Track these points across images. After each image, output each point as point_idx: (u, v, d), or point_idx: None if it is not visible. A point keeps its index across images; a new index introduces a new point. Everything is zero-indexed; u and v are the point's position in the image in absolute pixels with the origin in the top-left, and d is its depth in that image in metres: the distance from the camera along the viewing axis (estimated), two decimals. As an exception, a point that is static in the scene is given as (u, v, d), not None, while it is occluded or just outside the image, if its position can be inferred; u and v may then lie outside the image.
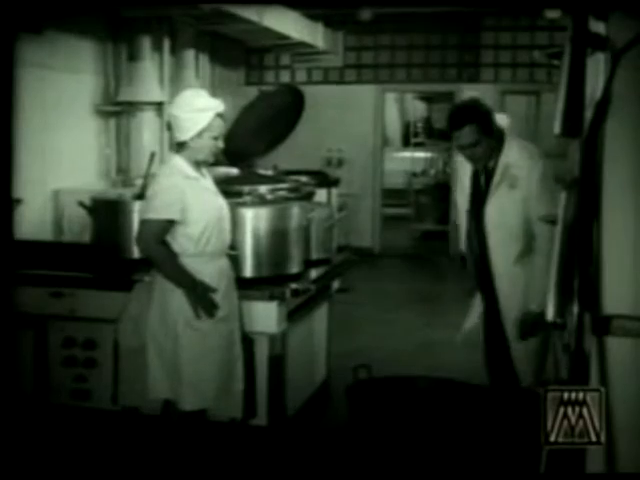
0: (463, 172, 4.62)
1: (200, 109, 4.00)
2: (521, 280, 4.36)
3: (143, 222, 4.05)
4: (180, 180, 4.01)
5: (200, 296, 4.00)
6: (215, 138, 4.06)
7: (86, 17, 8.09)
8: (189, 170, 4.05)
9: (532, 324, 4.24)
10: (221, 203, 4.18)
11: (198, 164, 4.11)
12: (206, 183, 4.14)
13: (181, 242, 4.02)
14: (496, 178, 4.38)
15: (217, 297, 4.06)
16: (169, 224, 3.98)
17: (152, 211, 4.00)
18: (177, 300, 3.99)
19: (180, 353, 4.00)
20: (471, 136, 4.28)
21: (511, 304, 4.43)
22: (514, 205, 4.33)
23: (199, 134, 4.01)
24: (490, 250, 4.45)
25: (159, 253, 4.02)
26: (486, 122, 4.32)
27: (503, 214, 4.37)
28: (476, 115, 4.32)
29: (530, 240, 4.34)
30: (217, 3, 7.76)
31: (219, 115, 4.05)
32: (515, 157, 4.35)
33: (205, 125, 4.00)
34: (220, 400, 4.18)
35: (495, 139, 4.35)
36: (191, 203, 3.99)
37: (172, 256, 4.02)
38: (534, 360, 4.45)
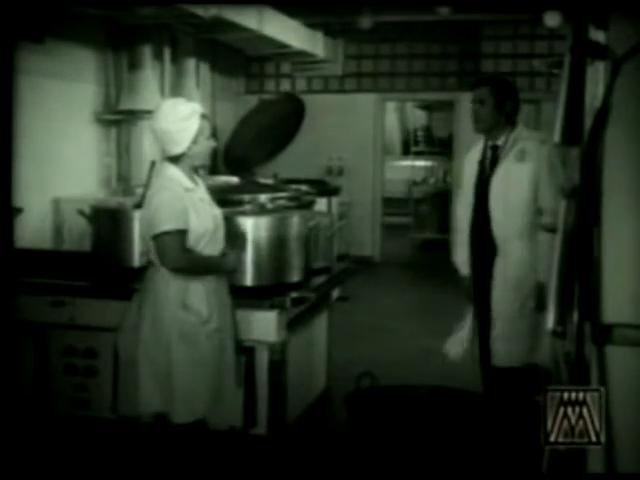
0: (469, 167, 4.75)
1: (187, 116, 3.98)
2: (523, 254, 4.43)
3: (161, 236, 3.92)
4: (180, 191, 3.98)
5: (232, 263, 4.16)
6: (208, 138, 4.08)
7: (87, 26, 8.11)
8: (186, 181, 4.03)
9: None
10: (215, 213, 4.14)
11: (195, 171, 4.11)
12: (200, 193, 4.11)
13: None
14: (505, 150, 4.57)
15: (211, 309, 4.03)
16: (182, 233, 3.93)
17: (167, 222, 3.92)
18: (170, 314, 3.96)
19: (173, 367, 3.97)
20: (481, 94, 4.64)
21: (511, 280, 4.51)
22: (520, 177, 4.47)
23: (194, 140, 4.01)
24: (493, 224, 4.52)
25: (188, 261, 3.99)
26: (500, 92, 4.63)
27: (508, 185, 4.51)
28: (495, 81, 4.77)
29: (533, 216, 4.42)
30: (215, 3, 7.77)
31: (202, 115, 4.06)
32: (525, 135, 4.62)
33: (197, 130, 3.99)
34: (212, 411, 4.14)
35: (505, 116, 4.61)
36: (189, 214, 3.97)
37: (200, 258, 4.02)
38: (523, 340, 4.51)
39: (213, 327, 4.03)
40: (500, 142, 4.59)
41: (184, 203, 3.94)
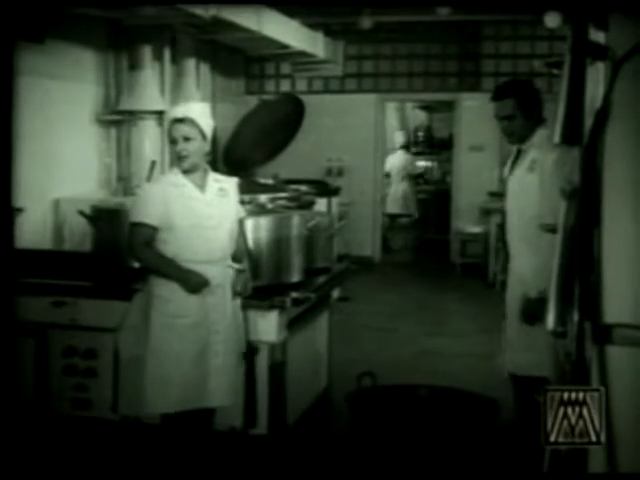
0: (506, 167, 4.71)
1: (169, 120, 4.17)
2: (521, 263, 4.37)
3: (131, 226, 4.14)
4: (162, 187, 4.12)
5: (193, 284, 4.04)
6: (176, 143, 4.08)
7: (87, 26, 8.11)
8: (177, 178, 4.10)
9: (535, 310, 4.23)
10: (209, 213, 4.10)
11: (190, 172, 4.12)
12: (193, 192, 4.10)
13: (161, 246, 4.06)
14: (523, 156, 4.46)
15: (182, 303, 4.05)
16: (150, 228, 4.04)
17: (137, 215, 4.10)
18: (152, 304, 4.05)
19: (148, 353, 4.02)
20: (507, 109, 4.43)
21: (509, 288, 4.46)
22: (528, 188, 4.35)
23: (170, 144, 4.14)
24: (506, 227, 4.49)
25: (149, 257, 4.11)
26: (526, 100, 4.45)
27: (518, 192, 4.43)
28: (518, 91, 4.50)
29: (536, 227, 4.34)
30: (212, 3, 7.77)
31: (176, 120, 4.07)
32: (538, 140, 4.42)
33: (167, 135, 4.14)
34: (187, 408, 4.11)
35: (533, 122, 4.44)
36: (171, 209, 4.03)
37: (160, 258, 4.07)
38: (505, 349, 4.44)
39: (191, 321, 4.05)
40: (524, 147, 4.47)
41: (160, 198, 4.04)
